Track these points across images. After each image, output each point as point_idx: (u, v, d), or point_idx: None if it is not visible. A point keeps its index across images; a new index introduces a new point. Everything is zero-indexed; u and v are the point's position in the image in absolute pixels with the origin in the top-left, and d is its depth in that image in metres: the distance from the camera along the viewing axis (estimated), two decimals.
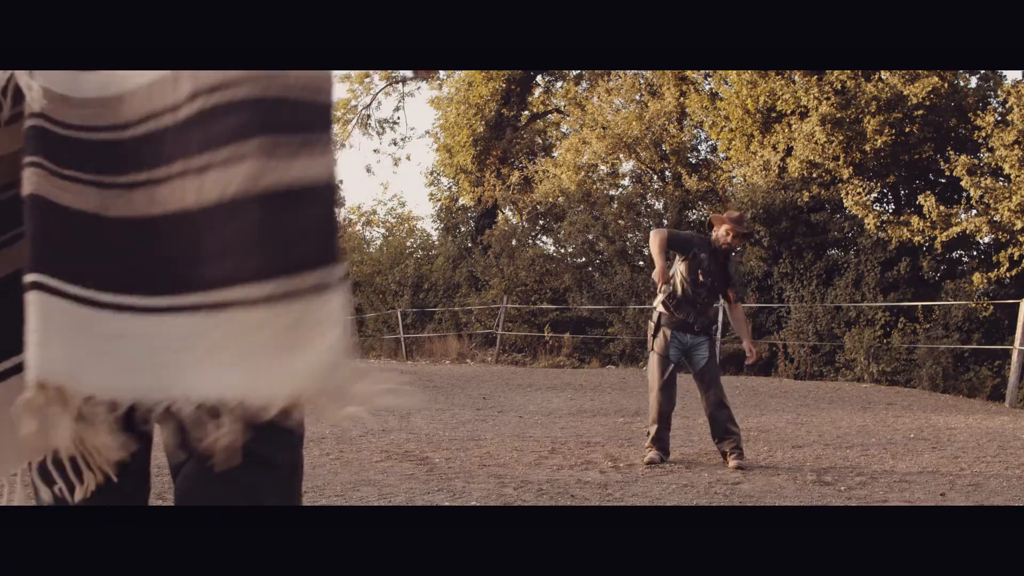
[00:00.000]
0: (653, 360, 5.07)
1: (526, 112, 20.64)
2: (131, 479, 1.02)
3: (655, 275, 4.91)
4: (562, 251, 16.94)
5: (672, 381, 5.01)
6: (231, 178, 0.83)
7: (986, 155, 11.17)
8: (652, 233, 5.11)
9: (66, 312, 0.85)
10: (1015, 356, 9.50)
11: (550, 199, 17.28)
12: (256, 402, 0.82)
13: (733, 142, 13.96)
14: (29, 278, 0.84)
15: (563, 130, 20.51)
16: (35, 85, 0.89)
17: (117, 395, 0.84)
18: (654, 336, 5.12)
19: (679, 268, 5.08)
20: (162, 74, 0.88)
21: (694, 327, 5.03)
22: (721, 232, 5.09)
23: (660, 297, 5.12)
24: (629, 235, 15.46)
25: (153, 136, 0.89)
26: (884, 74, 12.08)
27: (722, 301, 5.43)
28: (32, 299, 0.83)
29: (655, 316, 5.16)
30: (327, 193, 0.85)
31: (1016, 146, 10.47)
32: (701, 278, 5.02)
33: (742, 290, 5.35)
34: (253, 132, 0.83)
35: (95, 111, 0.90)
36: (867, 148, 12.17)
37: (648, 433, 5.11)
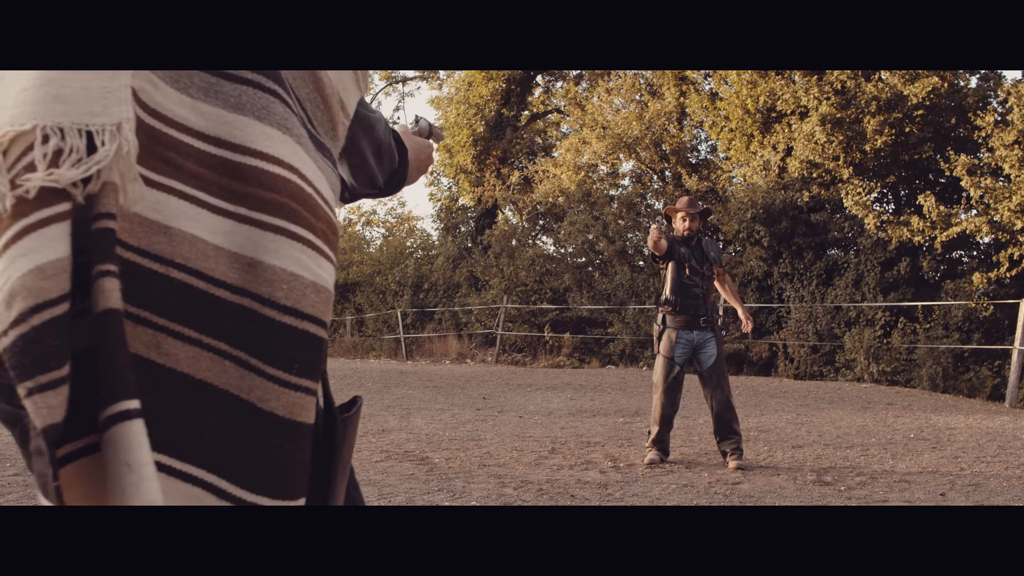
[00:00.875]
0: (659, 362, 5.08)
1: (526, 112, 20.64)
2: None
3: (650, 240, 5.00)
4: (562, 251, 16.94)
5: (677, 384, 5.02)
6: (279, 396, 0.89)
7: (986, 155, 11.17)
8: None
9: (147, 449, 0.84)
10: (1015, 356, 9.50)
11: (550, 199, 17.29)
12: None
13: (733, 142, 13.96)
14: (127, 405, 0.80)
15: (563, 130, 20.52)
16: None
17: None
18: (659, 339, 5.13)
19: (668, 274, 5.13)
20: (283, 268, 0.89)
21: (700, 321, 5.05)
22: (678, 222, 5.17)
23: (663, 295, 5.17)
24: (629, 235, 15.46)
25: (234, 308, 0.88)
26: (884, 74, 12.09)
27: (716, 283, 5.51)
28: (133, 429, 0.80)
29: (659, 319, 5.18)
30: (293, 432, 0.90)
31: (1016, 146, 10.47)
32: (688, 272, 5.08)
33: (720, 258, 5.40)
34: (307, 375, 0.90)
35: (199, 253, 0.88)
36: (867, 148, 12.17)
37: (649, 433, 5.11)
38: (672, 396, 5.01)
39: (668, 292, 5.12)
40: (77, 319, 0.78)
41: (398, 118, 24.60)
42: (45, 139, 0.77)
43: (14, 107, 0.79)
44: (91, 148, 0.79)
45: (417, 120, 1.48)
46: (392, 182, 1.30)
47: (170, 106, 0.88)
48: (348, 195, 1.27)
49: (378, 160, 1.24)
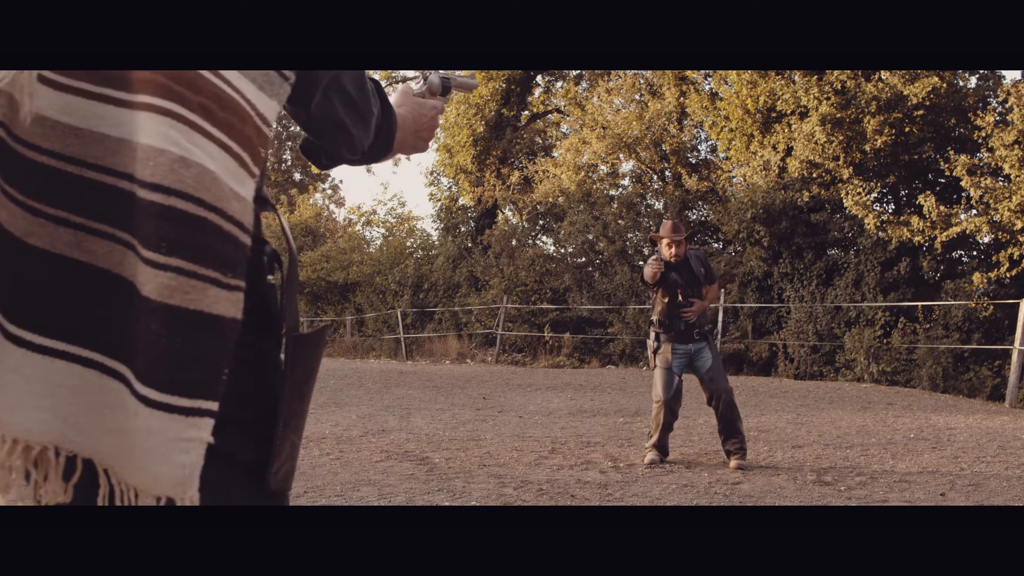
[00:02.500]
0: (657, 374, 5.08)
1: (526, 112, 20.63)
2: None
3: (648, 273, 5.01)
4: (562, 251, 16.94)
5: (677, 395, 5.05)
6: (151, 278, 0.89)
7: (986, 155, 11.17)
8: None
9: None
10: (1015, 356, 9.50)
11: (550, 199, 17.28)
12: (124, 479, 0.93)
13: (733, 142, 13.96)
14: None
15: (563, 130, 20.50)
16: (29, 98, 0.90)
17: (43, 439, 0.92)
18: (656, 352, 5.13)
19: (659, 297, 5.13)
20: (146, 145, 0.91)
21: (694, 334, 5.07)
22: (664, 249, 5.15)
23: (654, 317, 5.18)
24: (629, 235, 15.46)
25: (109, 190, 0.91)
26: (884, 74, 12.09)
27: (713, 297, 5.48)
28: None
29: (653, 336, 5.19)
30: (226, 329, 0.92)
31: (1016, 146, 10.47)
32: (680, 298, 5.08)
33: (714, 276, 5.38)
34: (179, 252, 0.89)
35: (64, 139, 0.91)
36: (867, 148, 12.17)
37: (649, 435, 5.12)
38: (673, 407, 5.03)
39: (661, 315, 5.12)
40: None
41: None
42: None
43: None
44: None
45: (425, 78, 1.38)
46: (376, 148, 1.25)
47: None
48: (326, 160, 1.23)
49: (360, 126, 1.18)
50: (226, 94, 0.94)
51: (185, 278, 0.89)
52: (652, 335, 5.19)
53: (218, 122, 0.93)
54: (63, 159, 0.90)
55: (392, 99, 1.35)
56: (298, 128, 1.49)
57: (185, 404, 0.90)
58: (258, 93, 0.98)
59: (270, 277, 1.10)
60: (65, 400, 0.91)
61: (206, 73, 0.93)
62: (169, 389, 0.90)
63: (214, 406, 0.92)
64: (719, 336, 5.33)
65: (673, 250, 5.11)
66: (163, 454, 0.90)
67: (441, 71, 1.42)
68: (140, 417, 0.90)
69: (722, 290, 12.95)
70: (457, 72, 1.43)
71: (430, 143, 1.39)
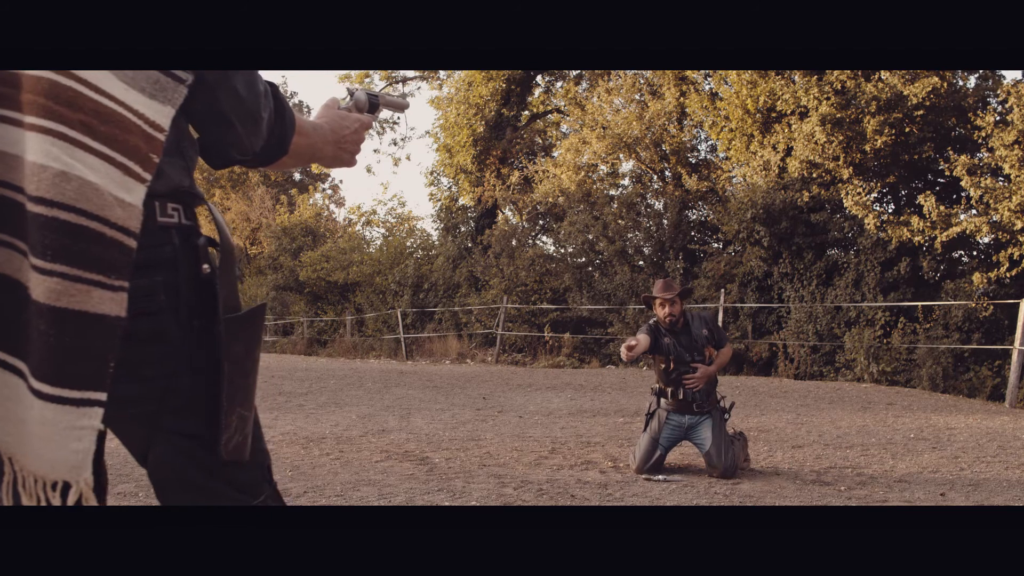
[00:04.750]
0: (642, 439, 4.71)
1: (526, 112, 20.63)
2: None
3: (623, 347, 4.39)
4: (562, 251, 16.93)
5: (655, 468, 4.64)
6: (39, 283, 0.98)
7: (986, 155, 11.17)
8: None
9: None
10: (1015, 356, 9.50)
11: (550, 199, 17.28)
12: (26, 466, 1.02)
13: (733, 142, 13.96)
14: None
15: (563, 130, 20.50)
16: None
17: None
18: (649, 415, 4.77)
19: (657, 364, 4.79)
20: (31, 161, 0.98)
21: (693, 406, 4.68)
22: (657, 310, 4.74)
23: (654, 387, 4.85)
24: (629, 235, 15.46)
25: (5, 201, 1.00)
26: (884, 74, 12.08)
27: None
28: None
29: (653, 392, 4.85)
30: (110, 326, 1.00)
31: (1016, 146, 10.47)
32: (673, 366, 4.70)
33: (723, 338, 4.88)
34: (63, 259, 0.98)
35: None
36: (867, 148, 12.17)
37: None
38: (647, 472, 4.63)
39: (659, 382, 4.79)
40: None
41: (397, 118, 24.07)
42: None
43: None
44: None
45: (351, 93, 1.44)
46: (268, 150, 1.29)
47: None
48: (216, 160, 1.27)
49: (249, 126, 1.22)
50: (107, 108, 1.01)
51: (69, 282, 0.98)
52: (652, 398, 4.85)
53: (99, 136, 1.00)
54: None
55: (315, 112, 1.40)
56: None
57: (75, 396, 0.99)
58: (148, 102, 1.05)
59: (205, 266, 1.17)
60: None
61: (86, 91, 1.00)
62: (59, 383, 0.99)
63: (103, 396, 1.00)
64: (730, 413, 4.72)
65: (667, 310, 4.67)
66: (57, 442, 0.99)
67: (372, 89, 1.49)
68: (35, 409, 0.98)
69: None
70: (389, 91, 1.46)
71: (356, 157, 1.43)
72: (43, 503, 1.01)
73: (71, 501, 1.00)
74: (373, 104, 1.45)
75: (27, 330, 0.99)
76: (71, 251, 0.97)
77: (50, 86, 0.99)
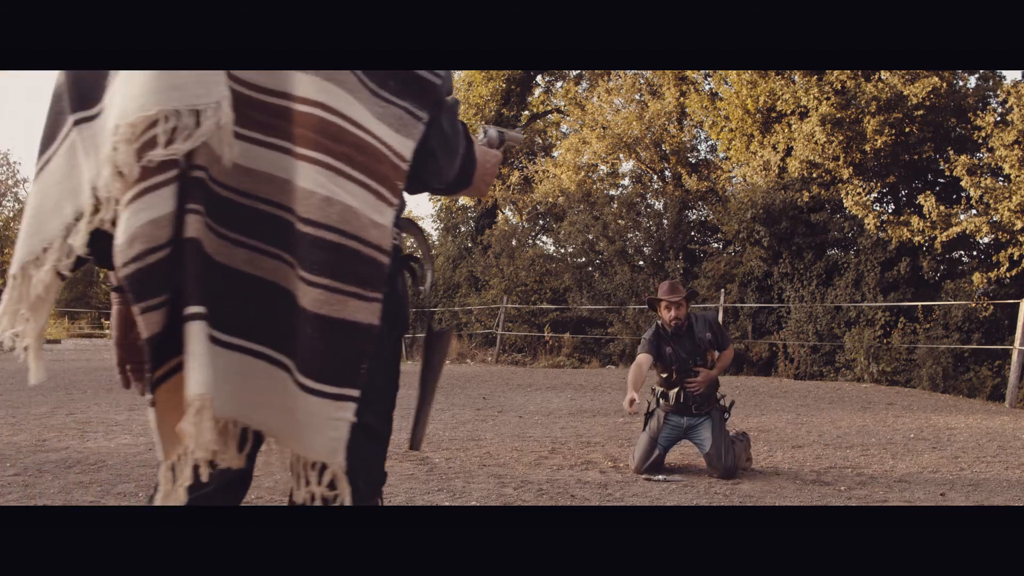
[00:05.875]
0: (640, 441, 4.72)
1: (526, 112, 20.64)
2: (240, 481, 1.33)
3: (624, 402, 4.36)
4: (562, 251, 16.94)
5: (654, 468, 4.64)
6: (306, 293, 1.12)
7: (986, 155, 11.17)
8: (633, 365, 4.63)
9: (205, 342, 1.09)
10: (1015, 356, 9.49)
11: (550, 199, 17.29)
12: (289, 447, 1.19)
13: (733, 142, 13.96)
14: (193, 309, 1.07)
15: (563, 130, 20.51)
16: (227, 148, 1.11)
17: (226, 415, 1.14)
18: (649, 415, 4.79)
19: (659, 371, 4.78)
20: (302, 187, 1.13)
21: (692, 408, 4.69)
22: (662, 312, 4.73)
23: (655, 389, 4.84)
24: (629, 235, 15.46)
25: (276, 219, 1.14)
26: (884, 74, 12.08)
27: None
28: (196, 328, 1.06)
29: (653, 394, 4.85)
30: (365, 332, 1.14)
31: (1016, 146, 10.47)
32: (675, 375, 4.69)
33: (725, 341, 4.85)
34: (327, 273, 1.12)
35: (241, 177, 1.14)
36: (867, 148, 12.18)
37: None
38: (647, 472, 4.63)
39: (660, 385, 4.78)
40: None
41: None
42: (165, 119, 1.05)
43: (140, 96, 1.05)
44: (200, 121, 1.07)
45: (485, 132, 1.57)
46: (457, 181, 1.43)
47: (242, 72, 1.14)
48: (416, 187, 1.41)
49: (447, 158, 1.37)
50: (364, 141, 1.15)
51: (331, 293, 1.12)
52: (653, 393, 4.85)
53: (358, 166, 1.14)
54: (239, 193, 1.13)
55: None
56: None
57: (334, 391, 1.13)
58: (394, 135, 1.19)
59: (409, 282, 1.36)
60: (239, 384, 1.14)
61: (348, 126, 1.14)
62: (321, 379, 1.13)
63: (356, 392, 1.15)
64: (730, 412, 4.71)
65: (672, 313, 4.67)
66: (318, 429, 1.14)
67: (496, 126, 1.61)
68: (300, 400, 1.13)
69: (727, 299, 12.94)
70: (512, 130, 1.62)
71: (488, 190, 1.60)
72: (304, 481, 1.16)
73: (326, 481, 1.15)
74: (501, 140, 1.57)
75: (295, 332, 1.13)
76: (334, 266, 1.11)
77: (319, 122, 1.12)
